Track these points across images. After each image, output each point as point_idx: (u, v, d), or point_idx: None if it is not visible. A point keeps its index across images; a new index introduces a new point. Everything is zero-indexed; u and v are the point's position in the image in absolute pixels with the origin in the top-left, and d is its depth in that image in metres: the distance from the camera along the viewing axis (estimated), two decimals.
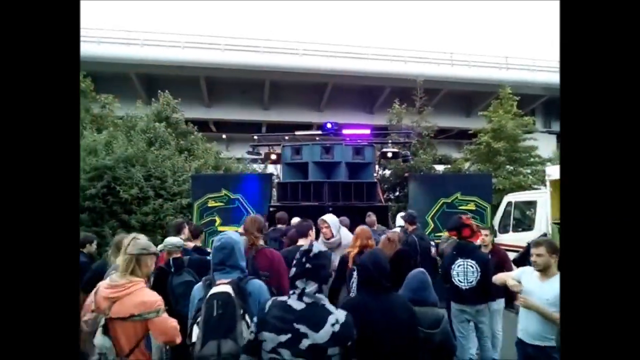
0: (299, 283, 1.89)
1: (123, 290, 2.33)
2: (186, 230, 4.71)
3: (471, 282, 3.98)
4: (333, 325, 1.80)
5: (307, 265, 1.91)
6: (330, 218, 4.10)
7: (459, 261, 4.07)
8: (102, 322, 2.33)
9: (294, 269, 1.94)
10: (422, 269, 2.82)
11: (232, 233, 2.39)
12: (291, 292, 1.91)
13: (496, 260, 4.48)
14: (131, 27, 25.93)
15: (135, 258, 2.44)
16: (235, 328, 1.97)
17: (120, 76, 21.35)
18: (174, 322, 2.42)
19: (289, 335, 1.77)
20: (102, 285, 2.44)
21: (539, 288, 2.91)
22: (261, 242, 3.16)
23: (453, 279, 4.06)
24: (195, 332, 2.03)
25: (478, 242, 4.61)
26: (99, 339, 2.31)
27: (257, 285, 2.24)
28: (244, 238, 2.93)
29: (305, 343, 1.76)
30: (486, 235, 4.77)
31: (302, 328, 1.78)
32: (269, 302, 1.91)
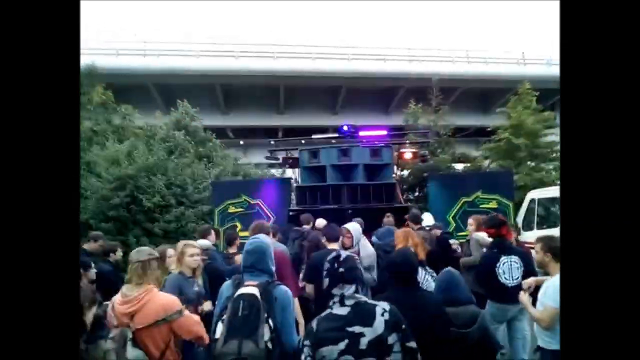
0: (336, 290, 1.91)
1: (138, 303, 2.35)
2: (212, 237, 4.81)
3: (517, 279, 3.84)
4: (382, 314, 1.83)
5: (340, 269, 1.92)
6: (353, 227, 4.07)
7: (503, 259, 3.94)
8: (130, 335, 2.35)
9: (327, 279, 1.95)
10: (450, 268, 2.79)
11: (264, 237, 2.42)
12: (331, 302, 1.92)
13: None
14: (147, 38, 26.39)
15: (142, 265, 2.47)
16: (257, 330, 1.97)
17: (139, 87, 21.82)
18: (196, 319, 2.46)
19: (346, 341, 1.78)
20: (116, 302, 2.44)
21: (542, 287, 2.92)
22: None
23: (499, 278, 3.90)
24: (220, 329, 2.05)
25: None
26: (131, 352, 2.32)
27: (284, 291, 2.24)
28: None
29: (364, 342, 1.77)
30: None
31: (356, 329, 1.79)
32: (314, 322, 1.91)
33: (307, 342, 1.86)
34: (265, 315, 2.04)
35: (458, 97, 24.20)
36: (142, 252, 2.55)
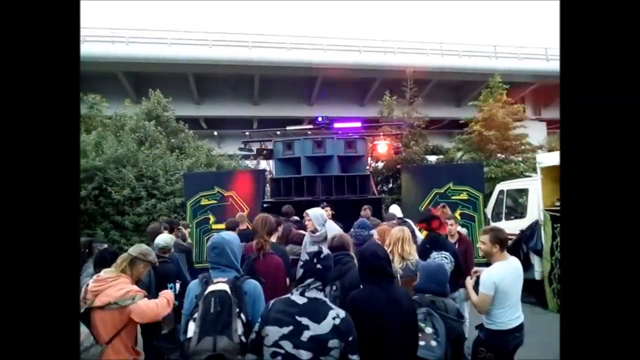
0: (306, 281, 1.95)
1: (105, 284, 2.51)
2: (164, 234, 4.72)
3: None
4: (334, 318, 1.85)
5: (318, 265, 1.97)
6: (312, 211, 4.01)
7: (434, 254, 4.06)
8: (82, 310, 2.45)
9: (300, 270, 1.99)
10: (441, 263, 2.86)
11: (226, 233, 2.42)
12: (293, 289, 1.97)
13: (463, 249, 4.69)
14: (115, 25, 25.51)
15: (131, 259, 2.65)
16: (231, 325, 2.01)
17: (107, 75, 21.10)
18: (152, 303, 2.58)
19: (291, 327, 1.82)
20: (91, 281, 2.61)
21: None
22: (269, 247, 3.09)
23: None
24: (191, 327, 2.07)
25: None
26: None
27: (253, 285, 2.27)
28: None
29: (306, 334, 1.80)
30: (451, 225, 4.89)
31: (304, 320, 1.83)
32: (272, 301, 1.97)
33: (259, 319, 1.95)
34: (237, 310, 2.07)
35: (432, 89, 24.49)
36: (137, 248, 2.76)
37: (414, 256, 3.47)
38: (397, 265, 3.35)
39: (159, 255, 3.93)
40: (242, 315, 2.09)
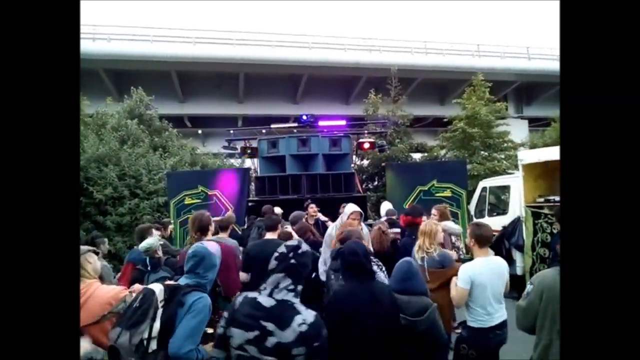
0: (274, 278, 1.86)
1: (81, 298, 2.29)
2: (153, 234, 4.62)
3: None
4: (300, 325, 1.76)
5: (292, 260, 1.88)
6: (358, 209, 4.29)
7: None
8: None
9: (274, 262, 1.90)
10: (407, 259, 2.86)
11: (210, 245, 2.35)
12: (262, 287, 1.88)
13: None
14: (97, 22, 25.02)
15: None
16: (139, 325, 1.96)
17: (88, 73, 20.66)
18: None
19: (257, 333, 1.76)
20: None
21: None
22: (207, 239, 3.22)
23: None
24: None
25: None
26: (82, 345, 2.20)
27: (195, 298, 2.10)
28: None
29: (271, 341, 1.74)
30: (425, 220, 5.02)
31: (270, 326, 1.76)
32: (240, 299, 1.89)
33: (226, 314, 1.89)
34: (154, 314, 2.00)
35: (416, 87, 24.70)
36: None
37: (435, 250, 3.71)
38: (418, 257, 3.68)
39: (153, 257, 3.89)
40: (157, 322, 1.99)
